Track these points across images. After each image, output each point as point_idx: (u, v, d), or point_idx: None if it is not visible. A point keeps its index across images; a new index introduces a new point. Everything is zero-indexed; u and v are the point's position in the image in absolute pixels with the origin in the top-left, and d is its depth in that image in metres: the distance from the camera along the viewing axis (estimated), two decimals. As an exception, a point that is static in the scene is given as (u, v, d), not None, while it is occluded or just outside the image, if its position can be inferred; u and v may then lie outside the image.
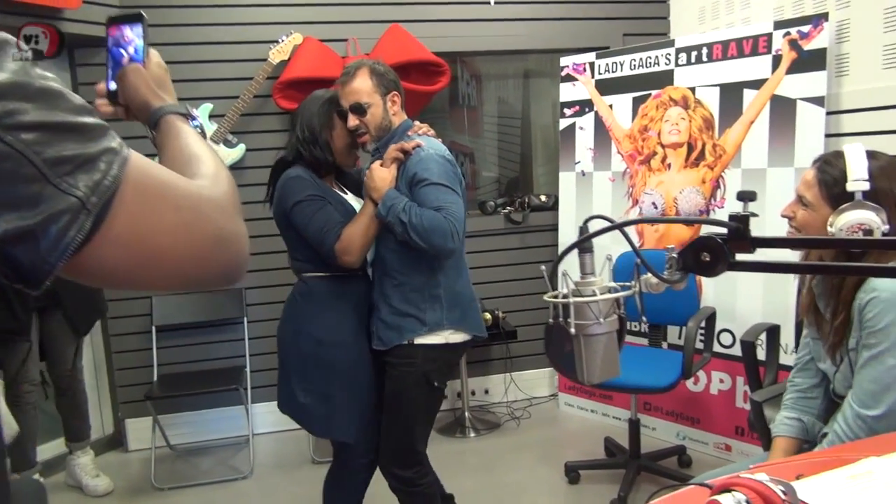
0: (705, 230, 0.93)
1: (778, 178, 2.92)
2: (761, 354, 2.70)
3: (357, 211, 2.14)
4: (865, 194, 1.46)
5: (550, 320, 0.96)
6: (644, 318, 3.47)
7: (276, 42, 3.46)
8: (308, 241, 2.10)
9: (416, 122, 2.23)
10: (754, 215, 0.87)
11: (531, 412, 3.90)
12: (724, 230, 0.91)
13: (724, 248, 0.87)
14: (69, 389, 3.16)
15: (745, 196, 0.88)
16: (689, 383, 3.30)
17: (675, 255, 0.92)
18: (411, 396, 2.16)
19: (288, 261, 2.27)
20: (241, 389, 3.34)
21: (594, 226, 0.93)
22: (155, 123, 0.88)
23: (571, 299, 0.90)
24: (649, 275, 0.95)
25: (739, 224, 0.86)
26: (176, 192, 0.65)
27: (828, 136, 2.80)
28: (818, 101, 2.78)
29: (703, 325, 2.94)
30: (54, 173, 0.54)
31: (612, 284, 0.93)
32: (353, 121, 2.11)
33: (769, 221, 2.93)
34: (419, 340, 2.12)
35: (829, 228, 1.49)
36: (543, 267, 0.96)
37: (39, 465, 3.06)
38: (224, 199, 0.72)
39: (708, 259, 0.89)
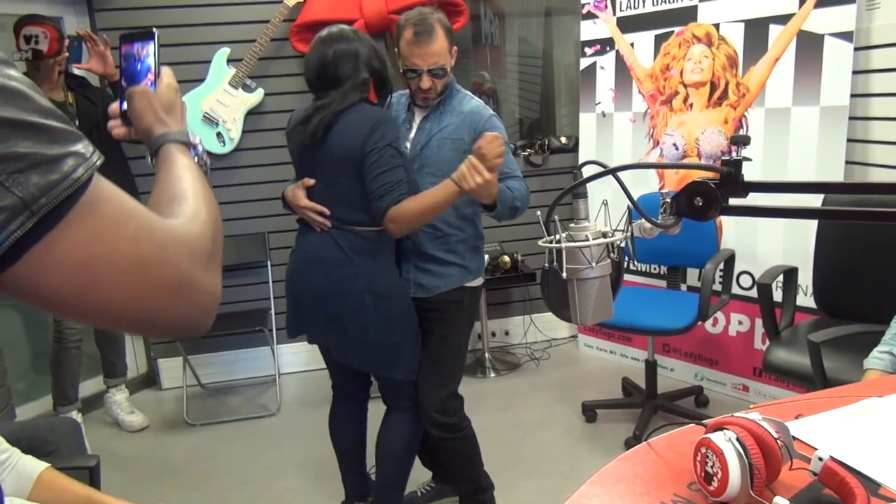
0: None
1: (803, 117, 2.85)
2: (778, 297, 2.70)
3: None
4: None
5: (546, 265, 0.98)
6: (634, 261, 3.49)
7: (292, -17, 3.42)
8: (366, 185, 1.96)
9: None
10: (747, 160, 0.87)
11: (550, 353, 3.96)
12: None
13: (717, 192, 0.88)
14: None
15: (739, 140, 0.87)
16: (708, 325, 3.32)
17: (668, 199, 0.92)
18: (458, 339, 2.26)
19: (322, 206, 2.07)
20: (267, 331, 3.45)
21: (588, 171, 0.93)
22: (155, 151, 0.84)
23: (564, 244, 0.91)
24: (643, 220, 0.96)
25: (731, 169, 0.86)
26: (139, 223, 0.60)
27: (856, 72, 2.72)
28: (846, 36, 2.68)
29: (721, 267, 2.93)
30: (1, 170, 0.50)
31: (606, 229, 0.94)
32: (427, 82, 2.05)
33: (792, 163, 2.89)
34: (468, 284, 2.22)
35: None
36: (539, 212, 0.97)
37: (79, 402, 3.21)
38: (199, 243, 0.66)
39: (701, 203, 0.89)
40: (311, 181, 2.06)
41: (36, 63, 2.86)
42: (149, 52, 0.90)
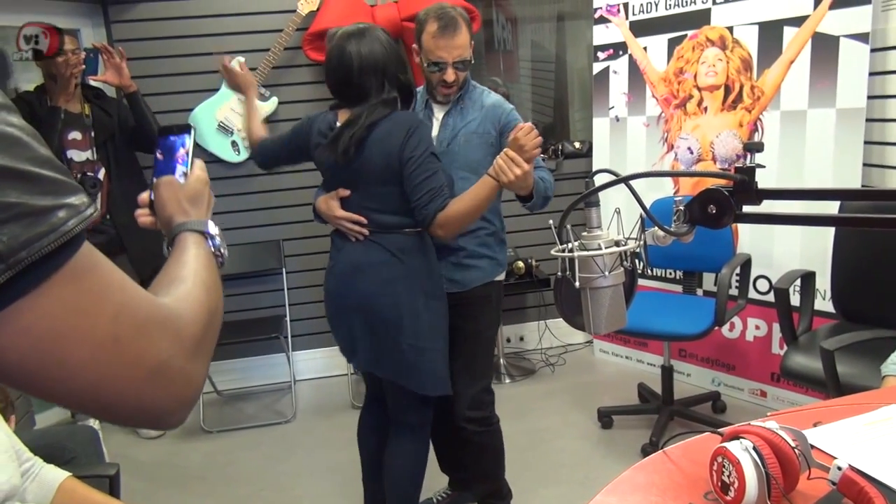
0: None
1: (819, 119, 2.82)
2: (796, 301, 2.67)
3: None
4: None
5: (559, 274, 0.97)
6: (647, 269, 3.48)
7: (305, -8, 3.45)
8: (408, 193, 1.92)
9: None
10: (761, 167, 0.86)
11: (566, 359, 3.94)
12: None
13: (731, 200, 0.87)
14: None
15: (752, 147, 0.87)
16: (725, 330, 3.29)
17: (681, 207, 0.92)
18: (489, 335, 2.30)
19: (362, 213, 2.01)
20: (282, 338, 3.47)
21: (601, 179, 0.93)
22: (172, 240, 0.83)
23: (576, 254, 0.91)
24: (656, 227, 0.95)
25: (745, 176, 0.85)
26: (123, 299, 0.55)
27: (872, 74, 2.69)
28: (863, 37, 2.65)
29: (738, 271, 2.91)
30: None
31: (618, 238, 0.94)
32: (452, 75, 2.06)
33: (809, 166, 2.86)
34: (496, 278, 2.27)
35: None
36: (551, 221, 0.97)
37: (96, 410, 3.23)
38: (188, 327, 0.62)
39: (714, 211, 0.89)
40: (345, 192, 2.00)
41: (51, 72, 2.89)
42: (184, 145, 0.93)
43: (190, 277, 0.71)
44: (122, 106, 3.11)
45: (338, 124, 1.95)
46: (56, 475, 1.50)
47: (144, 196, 0.92)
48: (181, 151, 0.92)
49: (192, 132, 0.94)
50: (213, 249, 0.83)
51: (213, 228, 0.86)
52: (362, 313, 2.03)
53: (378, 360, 2.08)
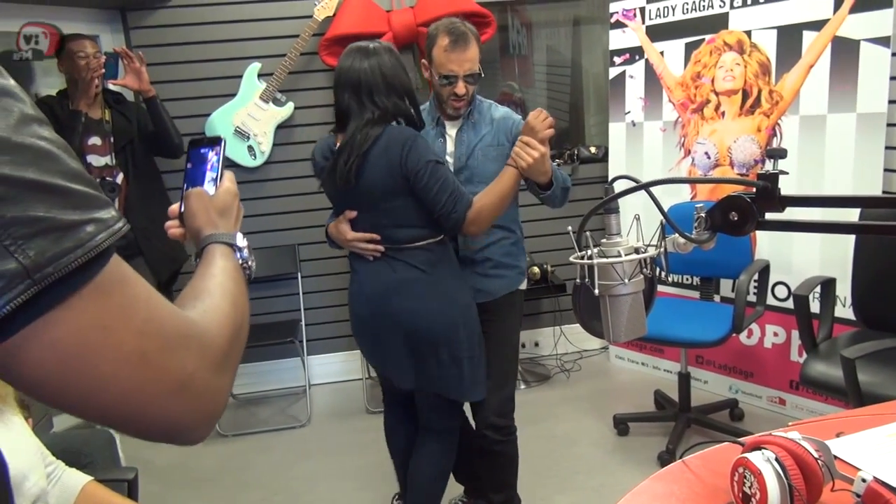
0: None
1: (839, 124, 2.79)
2: (816, 308, 2.63)
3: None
4: None
5: (577, 281, 0.96)
6: (667, 276, 3.46)
7: (322, -2, 3.46)
8: (428, 205, 1.92)
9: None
10: (784, 173, 0.85)
11: (581, 365, 3.92)
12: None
13: (753, 207, 0.86)
14: None
15: (775, 154, 0.86)
16: (743, 337, 3.25)
17: (703, 214, 0.91)
18: (515, 341, 2.34)
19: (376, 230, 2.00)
20: (297, 342, 3.47)
21: (620, 186, 0.92)
22: (200, 252, 0.83)
23: (595, 261, 0.90)
24: (677, 234, 0.94)
25: (768, 183, 0.84)
26: (149, 314, 0.54)
27: (893, 78, 2.66)
28: (884, 41, 2.62)
29: (756, 277, 2.88)
30: (7, 234, 0.45)
31: (638, 245, 0.93)
32: (463, 88, 2.09)
33: (829, 171, 2.83)
34: (521, 286, 2.31)
35: None
36: (570, 227, 0.96)
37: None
38: (213, 340, 0.61)
39: (736, 218, 0.88)
40: (352, 213, 2.01)
41: (73, 76, 2.90)
42: (214, 157, 0.93)
43: (217, 290, 0.71)
44: (141, 111, 3.14)
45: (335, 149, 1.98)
46: (78, 479, 1.51)
47: (174, 208, 0.92)
48: (211, 163, 0.93)
49: (223, 144, 0.94)
50: (240, 261, 0.83)
51: (241, 241, 0.85)
52: (401, 333, 2.02)
53: (419, 377, 2.07)
